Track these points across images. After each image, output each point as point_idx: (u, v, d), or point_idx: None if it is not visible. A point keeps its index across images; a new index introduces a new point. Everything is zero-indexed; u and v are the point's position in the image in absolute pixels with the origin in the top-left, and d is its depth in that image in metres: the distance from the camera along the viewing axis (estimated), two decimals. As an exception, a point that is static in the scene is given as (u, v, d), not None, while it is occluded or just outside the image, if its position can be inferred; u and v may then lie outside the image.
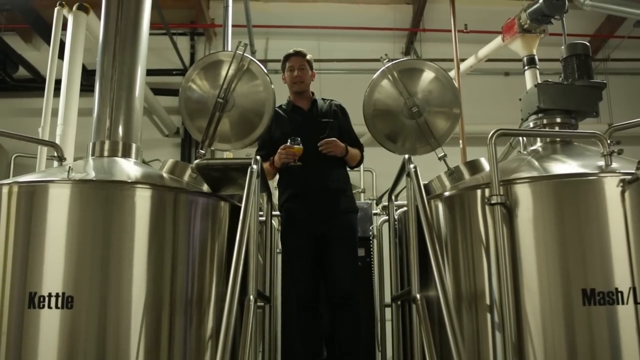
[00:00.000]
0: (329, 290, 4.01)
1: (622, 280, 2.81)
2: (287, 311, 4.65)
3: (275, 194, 4.34)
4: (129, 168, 3.34)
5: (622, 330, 2.78)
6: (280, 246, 4.37)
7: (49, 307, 2.77)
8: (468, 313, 3.12)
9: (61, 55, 6.12)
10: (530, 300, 2.90)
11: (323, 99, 4.40)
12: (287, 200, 4.15)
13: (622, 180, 2.93)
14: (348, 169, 4.35)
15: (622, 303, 2.78)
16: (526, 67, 4.62)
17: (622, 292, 2.79)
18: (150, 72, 4.41)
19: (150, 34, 3.91)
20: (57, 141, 5.39)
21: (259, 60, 3.84)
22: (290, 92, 4.36)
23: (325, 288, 4.05)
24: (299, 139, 3.92)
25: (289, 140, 3.92)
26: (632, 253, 2.85)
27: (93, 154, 3.49)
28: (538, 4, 4.79)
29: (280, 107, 4.30)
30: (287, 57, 4.31)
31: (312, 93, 4.38)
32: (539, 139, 3.65)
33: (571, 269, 2.88)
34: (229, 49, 5.82)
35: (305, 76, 4.26)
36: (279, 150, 3.97)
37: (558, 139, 3.58)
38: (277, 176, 4.27)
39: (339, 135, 4.16)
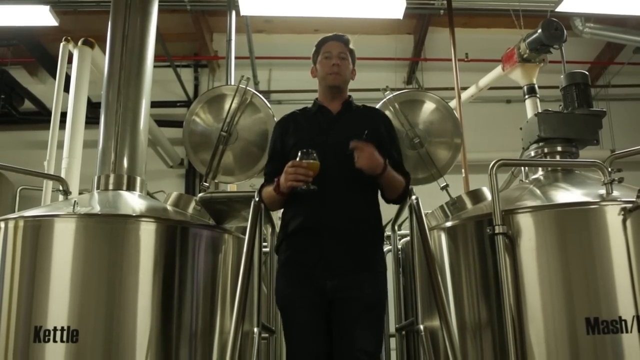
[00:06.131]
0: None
1: (625, 308, 2.81)
2: None
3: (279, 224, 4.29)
4: (133, 201, 3.37)
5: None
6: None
7: (54, 341, 2.77)
8: (472, 343, 3.12)
9: (67, 89, 6.18)
10: (534, 329, 2.89)
11: (365, 105, 3.31)
12: (291, 235, 3.01)
13: (623, 209, 2.94)
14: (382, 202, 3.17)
15: (626, 332, 2.77)
16: (526, 96, 4.65)
17: (625, 321, 2.78)
18: (154, 104, 4.45)
19: (154, 67, 3.96)
20: (63, 174, 5.43)
21: (262, 92, 3.88)
22: (319, 89, 3.24)
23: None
24: (314, 152, 2.79)
25: (298, 154, 2.81)
26: (635, 281, 2.85)
27: (98, 187, 3.51)
28: (537, 34, 4.84)
29: (303, 109, 3.29)
30: (323, 42, 3.23)
31: (349, 95, 3.24)
32: (540, 168, 3.67)
33: (575, 298, 2.88)
34: (232, 82, 5.88)
35: (344, 68, 3.15)
36: (285, 169, 2.85)
37: (559, 168, 3.60)
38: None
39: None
